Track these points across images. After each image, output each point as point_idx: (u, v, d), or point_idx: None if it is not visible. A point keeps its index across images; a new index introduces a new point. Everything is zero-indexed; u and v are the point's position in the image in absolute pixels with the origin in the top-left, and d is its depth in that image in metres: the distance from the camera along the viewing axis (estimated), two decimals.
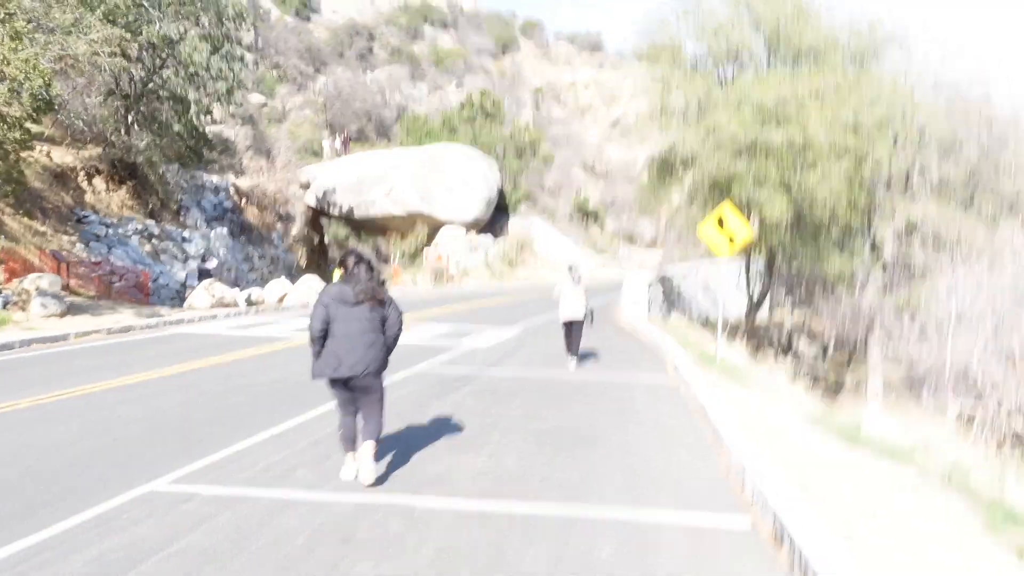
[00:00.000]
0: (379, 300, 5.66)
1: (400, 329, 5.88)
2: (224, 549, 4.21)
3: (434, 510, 5.02)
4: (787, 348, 28.01)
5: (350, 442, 5.76)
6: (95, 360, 11.59)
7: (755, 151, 16.51)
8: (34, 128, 20.35)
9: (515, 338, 15.80)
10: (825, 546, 4.08)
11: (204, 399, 8.56)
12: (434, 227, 41.30)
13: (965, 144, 19.40)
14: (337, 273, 5.82)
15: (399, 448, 6.65)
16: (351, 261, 5.73)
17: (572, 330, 11.89)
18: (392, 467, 6.05)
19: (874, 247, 21.45)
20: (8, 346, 12.96)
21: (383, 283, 5.88)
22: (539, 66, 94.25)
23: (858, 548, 4.18)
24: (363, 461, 5.50)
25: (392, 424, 7.57)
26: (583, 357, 12.73)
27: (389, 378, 10.11)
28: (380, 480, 5.61)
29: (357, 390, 5.67)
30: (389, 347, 5.87)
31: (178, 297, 24.93)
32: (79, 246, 23.10)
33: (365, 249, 45.38)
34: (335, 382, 5.63)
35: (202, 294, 22.23)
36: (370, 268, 5.75)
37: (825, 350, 30.17)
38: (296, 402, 8.38)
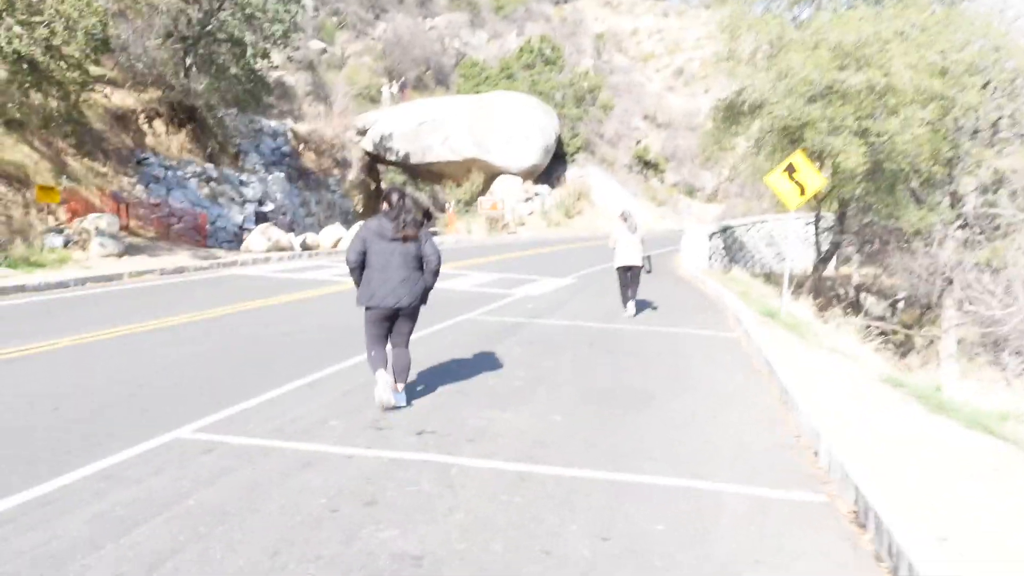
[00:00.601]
0: (414, 237, 5.76)
1: (438, 267, 5.92)
2: (237, 509, 3.86)
3: (470, 471, 4.60)
4: (855, 304, 26.86)
5: (383, 361, 5.91)
6: (144, 300, 11.52)
7: (831, 96, 15.38)
8: (95, 70, 20.38)
9: (569, 287, 15.29)
10: (920, 536, 3.52)
11: (243, 344, 8.32)
12: (490, 175, 40.70)
13: None
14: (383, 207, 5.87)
15: (437, 398, 6.25)
16: (395, 197, 5.85)
17: (629, 277, 11.65)
18: (428, 418, 5.66)
19: (954, 201, 20.11)
20: (63, 284, 13.03)
21: (423, 223, 5.94)
22: (601, 13, 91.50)
23: (956, 539, 3.60)
24: (382, 386, 5.76)
25: (434, 370, 7.20)
26: (640, 307, 12.21)
27: (436, 325, 9.79)
28: (404, 405, 5.91)
29: (390, 320, 5.90)
30: (427, 285, 5.96)
31: (235, 240, 25.07)
32: (139, 188, 23.29)
33: (408, 189, 45.16)
34: (370, 310, 5.82)
35: (258, 237, 22.24)
36: (411, 207, 5.82)
37: (894, 307, 28.88)
38: (334, 349, 8.06)
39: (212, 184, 26.46)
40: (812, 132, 15.53)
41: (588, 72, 55.25)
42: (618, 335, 9.89)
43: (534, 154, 40.81)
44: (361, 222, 27.02)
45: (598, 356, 8.40)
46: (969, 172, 18.60)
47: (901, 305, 29.10)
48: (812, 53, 15.30)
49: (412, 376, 6.87)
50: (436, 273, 5.93)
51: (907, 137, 14.75)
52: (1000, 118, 18.82)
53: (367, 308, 5.81)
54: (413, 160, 41.22)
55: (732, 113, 19.47)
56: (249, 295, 12.21)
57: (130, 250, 17.52)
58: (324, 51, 55.69)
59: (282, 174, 31.65)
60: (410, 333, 6.07)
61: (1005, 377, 18.70)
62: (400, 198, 5.81)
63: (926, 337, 24.44)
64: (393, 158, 41.62)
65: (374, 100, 50.01)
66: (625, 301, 11.77)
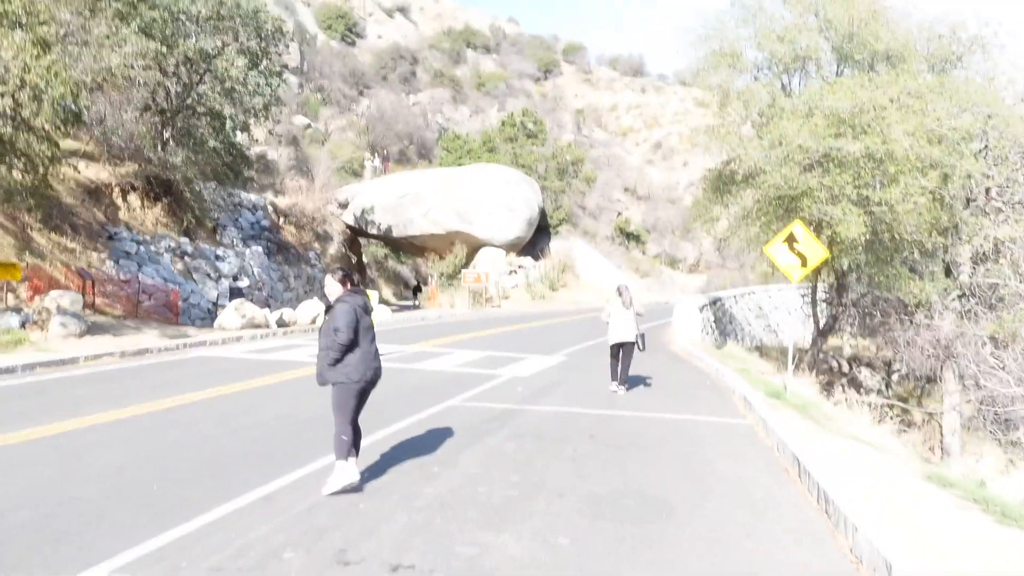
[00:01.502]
0: None
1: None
2: None
3: None
4: (847, 376, 26.07)
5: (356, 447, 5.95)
6: (95, 388, 10.42)
7: (828, 164, 14.88)
8: (68, 143, 19.67)
9: (559, 367, 14.34)
10: None
11: (192, 443, 7.24)
12: (473, 247, 40.12)
13: None
14: (334, 287, 5.94)
15: (418, 514, 5.23)
16: (354, 277, 6.10)
17: (622, 354, 11.37)
18: (407, 545, 4.63)
19: (950, 271, 19.59)
20: (10, 370, 11.90)
21: None
22: (580, 89, 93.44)
23: None
24: (352, 472, 5.79)
25: (413, 476, 6.18)
26: (639, 389, 11.62)
27: (416, 414, 8.77)
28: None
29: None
30: None
31: (209, 316, 24.02)
32: (109, 263, 22.32)
33: (390, 262, 44.46)
34: (363, 385, 5.88)
35: (232, 314, 21.23)
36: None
37: (889, 380, 28.12)
38: (298, 446, 7.03)
39: (187, 259, 25.55)
40: (809, 201, 14.96)
41: (570, 145, 55.61)
42: (620, 424, 8.91)
43: (518, 226, 40.37)
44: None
45: (601, 452, 7.41)
46: (966, 241, 18.10)
47: (895, 377, 28.37)
48: (806, 121, 14.87)
49: (390, 485, 5.88)
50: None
51: (908, 206, 14.22)
52: (988, 188, 18.49)
53: (363, 383, 5.83)
54: (395, 233, 40.62)
55: (722, 183, 19.00)
56: (212, 381, 11.15)
57: (93, 329, 16.42)
58: (308, 126, 55.84)
59: (260, 248, 30.83)
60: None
61: (1005, 453, 17.87)
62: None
63: (924, 411, 23.63)
64: (375, 231, 41.00)
65: (356, 174, 49.81)
66: (616, 378, 11.44)
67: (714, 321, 25.37)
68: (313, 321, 23.28)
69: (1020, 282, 17.18)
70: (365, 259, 45.05)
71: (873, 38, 15.88)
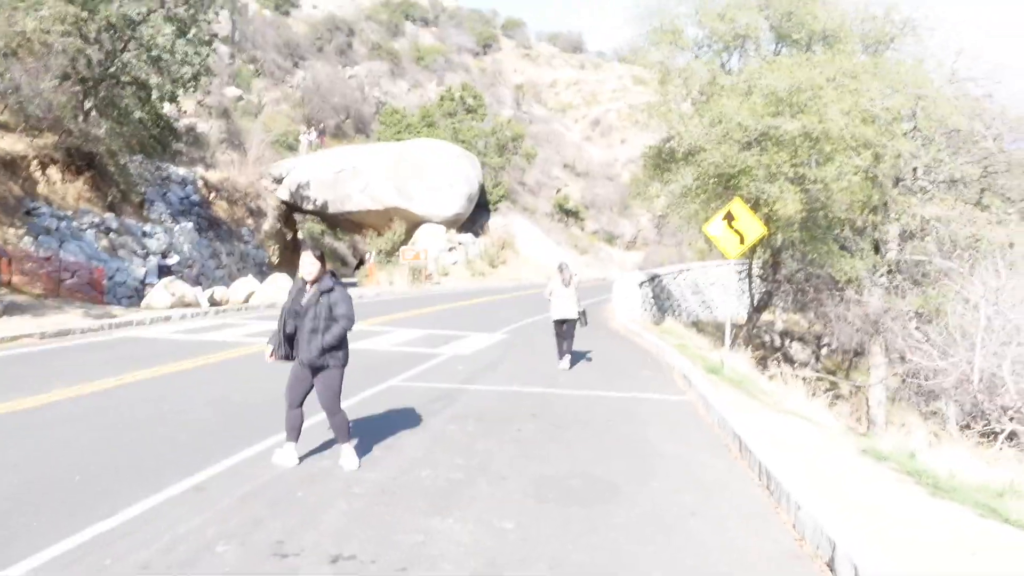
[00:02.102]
0: None
1: None
2: None
3: None
4: (783, 351, 26.76)
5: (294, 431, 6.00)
6: (8, 373, 9.84)
7: (766, 142, 15.06)
8: None
9: (501, 344, 14.25)
10: None
11: (118, 431, 6.89)
12: (412, 224, 39.63)
13: (981, 140, 18.12)
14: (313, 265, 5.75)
15: (358, 501, 5.06)
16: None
17: (564, 329, 11.60)
18: (347, 534, 4.47)
19: (878, 248, 20.17)
20: None
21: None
22: (520, 65, 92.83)
23: None
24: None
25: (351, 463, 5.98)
26: (581, 366, 11.70)
27: (355, 396, 8.54)
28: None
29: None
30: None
31: (136, 296, 23.09)
32: (27, 239, 21.20)
33: (326, 239, 43.80)
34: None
35: (161, 293, 20.49)
36: None
37: (818, 353, 29.00)
38: (232, 433, 6.76)
39: (112, 235, 24.49)
40: (747, 179, 15.14)
41: (510, 121, 55.27)
42: (563, 403, 8.87)
43: (458, 203, 40.03)
44: (275, 275, 25.27)
45: (544, 432, 7.34)
46: (895, 219, 18.63)
47: (825, 351, 29.26)
48: (745, 99, 15.00)
49: (329, 471, 5.70)
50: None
51: (842, 184, 14.52)
52: (916, 168, 19.05)
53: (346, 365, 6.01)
54: (332, 209, 39.80)
55: (662, 160, 19.09)
56: (139, 363, 10.68)
57: (10, 309, 15.59)
58: (240, 98, 54.02)
59: (190, 224, 29.77)
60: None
61: (926, 422, 18.61)
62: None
63: (853, 384, 24.43)
64: (311, 207, 40.08)
65: (291, 148, 48.50)
66: (561, 355, 11.66)
67: (652, 297, 25.65)
68: (247, 299, 22.62)
69: (944, 259, 17.79)
70: (301, 235, 44.04)
71: (811, 18, 16.09)
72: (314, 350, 5.64)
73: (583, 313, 11.67)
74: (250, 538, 4.39)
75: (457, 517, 4.86)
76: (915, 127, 17.30)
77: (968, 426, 16.18)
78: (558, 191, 64.08)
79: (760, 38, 17.75)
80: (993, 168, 19.27)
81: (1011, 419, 13.28)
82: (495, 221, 45.34)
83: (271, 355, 5.90)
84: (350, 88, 62.04)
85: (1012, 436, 13.15)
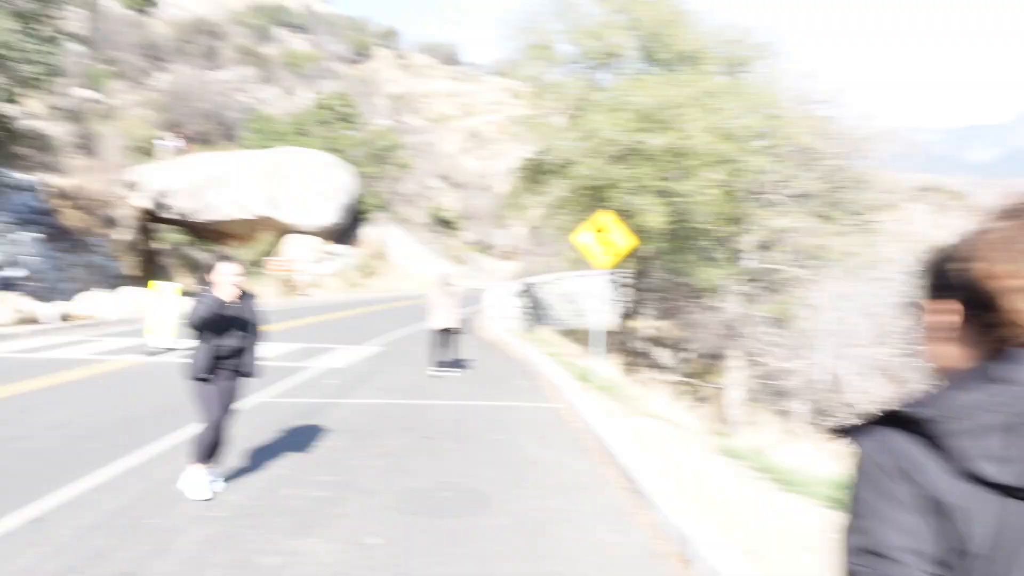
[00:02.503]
0: None
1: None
2: None
3: None
4: (650, 357, 27.78)
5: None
6: None
7: (633, 157, 15.63)
8: None
9: (374, 356, 14.03)
10: None
11: None
12: (283, 233, 38.43)
13: (826, 157, 19.56)
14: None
15: (217, 524, 4.82)
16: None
17: (446, 340, 11.92)
18: (204, 561, 4.24)
19: (736, 258, 21.34)
20: None
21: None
22: (395, 75, 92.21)
23: None
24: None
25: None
26: (454, 377, 11.82)
27: None
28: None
29: None
30: None
31: None
32: None
33: (187, 249, 41.90)
34: None
35: (1, 309, 18.84)
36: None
37: (686, 360, 30.31)
38: (76, 461, 6.28)
39: None
40: (616, 192, 15.66)
41: (385, 131, 54.72)
42: (435, 414, 8.82)
43: (331, 213, 39.19)
44: (130, 288, 23.81)
45: (416, 444, 7.26)
46: (751, 231, 19.76)
47: (689, 357, 30.61)
48: (615, 115, 15.52)
49: (183, 494, 5.40)
50: None
51: (704, 198, 15.28)
52: (769, 183, 20.32)
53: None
54: (196, 218, 37.99)
55: (536, 172, 19.41)
56: None
57: None
58: (94, 100, 50.66)
59: (36, 234, 27.58)
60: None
61: (780, 420, 19.88)
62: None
63: (714, 386, 25.69)
64: (172, 216, 38.10)
65: (151, 154, 45.94)
66: (437, 364, 11.93)
67: (527, 307, 26.00)
68: (98, 314, 21.18)
69: (794, 267, 19.03)
70: (161, 246, 41.75)
71: (674, 39, 16.87)
72: (254, 362, 5.58)
73: (464, 322, 12.23)
74: (93, 571, 4.08)
75: (322, 536, 4.71)
76: (769, 145, 18.45)
77: (817, 423, 17.39)
78: (434, 201, 63.99)
79: (628, 57, 18.41)
80: (837, 183, 20.84)
81: (854, 416, 14.32)
82: (370, 231, 44.71)
83: (199, 377, 5.42)
84: (217, 93, 59.49)
85: None
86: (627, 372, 18.71)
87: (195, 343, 5.39)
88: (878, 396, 13.98)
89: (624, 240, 12.91)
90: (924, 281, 1.16)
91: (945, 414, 0.99)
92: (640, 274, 21.30)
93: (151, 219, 38.65)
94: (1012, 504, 0.95)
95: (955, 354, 1.10)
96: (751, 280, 20.96)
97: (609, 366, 15.74)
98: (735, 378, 22.10)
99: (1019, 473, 0.95)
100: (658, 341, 32.05)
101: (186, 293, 13.42)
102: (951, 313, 1.10)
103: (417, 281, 41.57)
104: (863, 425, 1.07)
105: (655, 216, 15.06)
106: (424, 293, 12.12)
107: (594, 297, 14.94)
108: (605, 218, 12.99)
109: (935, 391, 1.04)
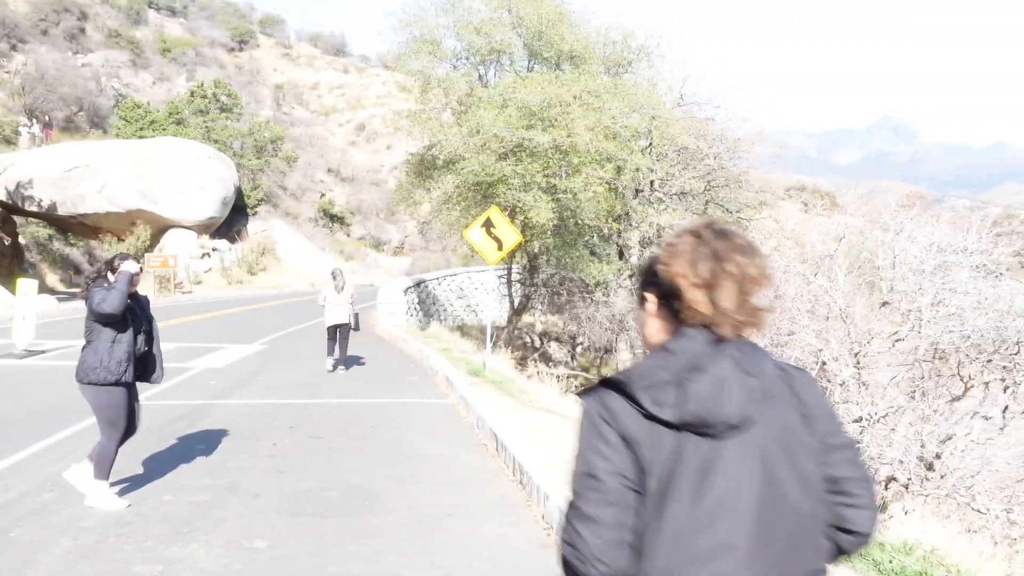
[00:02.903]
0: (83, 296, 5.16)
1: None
2: None
3: None
4: (542, 352, 28.26)
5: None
6: None
7: (521, 153, 15.81)
8: None
9: (259, 354, 13.60)
10: None
11: None
12: (159, 228, 36.55)
13: (705, 157, 20.45)
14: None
15: (88, 535, 4.55)
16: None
17: (339, 335, 11.95)
18: (69, 573, 4.00)
19: (622, 254, 22.00)
20: None
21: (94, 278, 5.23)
22: (280, 64, 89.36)
23: None
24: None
25: (80, 495, 5.37)
26: (347, 373, 11.84)
27: (85, 421, 7.70)
28: None
29: None
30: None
31: None
32: None
33: (54, 244, 39.52)
34: None
35: None
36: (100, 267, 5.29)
37: (574, 352, 30.99)
38: None
39: None
40: (504, 188, 15.80)
41: (269, 122, 53.00)
42: (324, 412, 8.65)
43: (211, 206, 37.57)
44: None
45: (303, 444, 7.11)
46: (635, 227, 20.41)
47: (579, 350, 31.32)
48: (501, 111, 15.64)
49: (52, 504, 5.08)
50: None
51: (589, 195, 15.65)
52: (653, 181, 21.08)
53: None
54: (62, 211, 35.54)
55: (424, 167, 19.33)
56: None
57: None
58: None
59: None
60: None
61: None
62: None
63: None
64: (35, 208, 35.49)
65: (9, 141, 42.63)
66: (330, 354, 11.95)
67: (418, 303, 25.87)
68: None
69: None
70: (23, 240, 38.85)
71: (559, 38, 17.15)
72: (160, 365, 5.43)
73: (355, 316, 12.15)
74: None
75: (203, 542, 4.55)
76: (651, 144, 19.08)
77: None
78: (322, 196, 62.53)
79: (514, 54, 18.61)
80: (715, 182, 21.82)
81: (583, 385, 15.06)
82: (254, 226, 43.21)
83: (112, 381, 5.06)
84: (83, 78, 55.84)
85: None
86: (519, 366, 18.96)
87: (93, 342, 5.05)
88: None
89: (511, 236, 13.04)
90: (641, 278, 1.58)
91: (633, 377, 1.40)
92: (531, 269, 21.59)
93: (11, 211, 35.92)
94: (683, 436, 1.35)
95: (657, 332, 1.51)
96: (636, 275, 21.70)
97: (501, 361, 15.89)
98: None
99: (681, 414, 1.34)
100: (550, 335, 32.64)
101: (45, 290, 12.55)
102: (652, 302, 1.52)
103: (305, 277, 40.50)
104: (588, 389, 1.47)
105: (543, 212, 15.31)
106: (311, 289, 11.91)
107: (487, 292, 15.07)
108: (493, 213, 13.08)
109: (635, 362, 1.46)
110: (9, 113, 46.54)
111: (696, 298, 1.40)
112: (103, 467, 5.08)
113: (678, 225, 19.48)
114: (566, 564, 1.44)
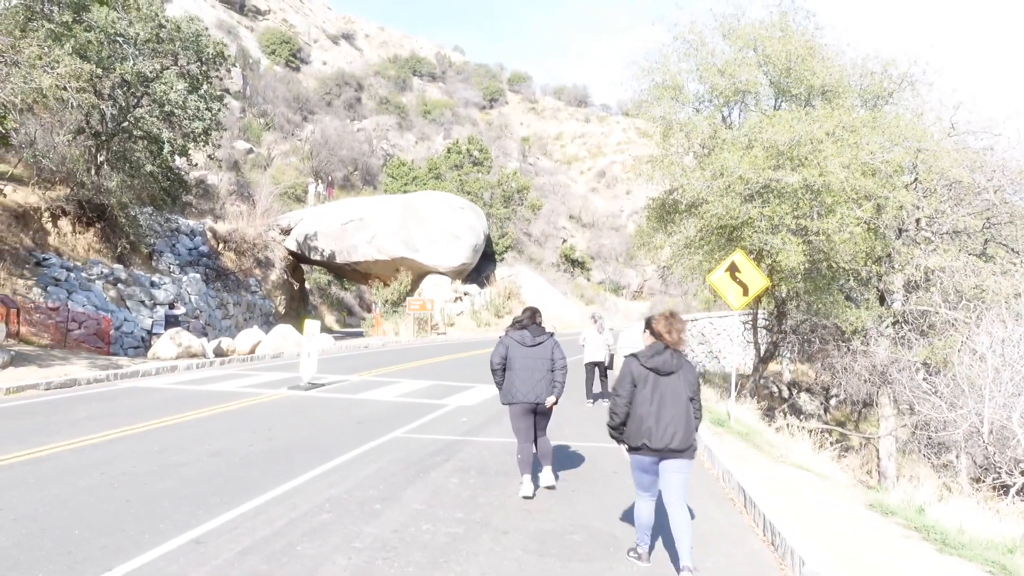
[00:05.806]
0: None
1: (564, 366, 7.10)
2: None
3: None
4: (791, 403, 26.55)
5: (528, 465, 6.86)
6: (12, 424, 9.85)
7: (767, 195, 15.20)
8: None
9: None
10: None
11: (118, 483, 6.87)
12: (418, 274, 39.85)
13: (983, 191, 18.25)
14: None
15: (358, 556, 5.01)
16: (527, 315, 7.29)
17: (596, 372, 13.55)
18: None
19: (883, 299, 20.15)
20: None
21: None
22: (526, 118, 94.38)
23: None
24: (526, 485, 6.78)
25: (353, 514, 5.94)
26: (583, 417, 11.83)
27: (359, 447, 8.53)
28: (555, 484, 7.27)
29: (533, 414, 6.94)
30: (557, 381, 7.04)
31: (143, 346, 23.21)
32: (36, 290, 21.41)
33: (332, 288, 43.99)
34: (513, 406, 6.87)
35: (167, 343, 20.54)
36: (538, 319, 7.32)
37: (827, 404, 28.72)
38: (234, 487, 6.72)
39: (120, 286, 24.70)
40: (750, 231, 15.24)
41: (516, 173, 55.94)
42: (567, 455, 8.81)
43: (463, 253, 40.28)
44: (280, 326, 25.25)
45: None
46: (899, 270, 18.64)
47: (833, 402, 28.98)
48: (746, 152, 15.18)
49: (329, 525, 5.65)
50: (563, 370, 7.00)
51: (844, 236, 14.61)
52: (919, 219, 19.13)
53: (511, 404, 6.83)
54: (339, 259, 40.11)
55: (665, 212, 19.24)
56: (142, 414, 10.68)
57: (17, 360, 15.65)
58: (250, 151, 54.96)
59: (198, 275, 30.02)
60: (547, 425, 7.16)
61: (937, 475, 18.36)
62: (532, 314, 7.25)
63: (862, 435, 24.14)
64: (318, 257, 40.42)
65: (299, 199, 49.14)
66: (589, 395, 13.38)
67: None
68: (252, 350, 22.65)
69: (949, 309, 17.74)
70: (308, 286, 44.31)
71: (809, 74, 16.37)
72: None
73: (611, 356, 13.80)
74: None
75: (457, 572, 4.81)
76: (916, 179, 17.43)
77: (980, 479, 15.95)
78: (564, 241, 64.48)
79: (760, 93, 18.04)
80: (996, 219, 19.33)
81: (1022, 472, 13.08)
82: (501, 271, 45.55)
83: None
84: (358, 141, 63.07)
85: None
86: (765, 417, 17.97)
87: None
88: None
89: (757, 280, 12.52)
90: (644, 325, 5.38)
91: (640, 354, 5.10)
92: (778, 315, 20.49)
93: (300, 260, 41.22)
94: (651, 373, 5.00)
95: (650, 343, 5.19)
96: (901, 322, 19.72)
97: (746, 410, 15.19)
98: (886, 427, 20.71)
99: (653, 365, 5.00)
100: (800, 386, 30.63)
101: (324, 329, 14.12)
102: (648, 333, 5.24)
103: (547, 320, 41.73)
104: (627, 357, 5.16)
105: (792, 255, 14.52)
106: (552, 331, 12.27)
107: (729, 339, 14.55)
108: (738, 257, 12.66)
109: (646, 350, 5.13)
110: (301, 175, 53.64)
111: (662, 334, 5.07)
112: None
113: (951, 268, 17.52)
114: (610, 414, 5.17)
